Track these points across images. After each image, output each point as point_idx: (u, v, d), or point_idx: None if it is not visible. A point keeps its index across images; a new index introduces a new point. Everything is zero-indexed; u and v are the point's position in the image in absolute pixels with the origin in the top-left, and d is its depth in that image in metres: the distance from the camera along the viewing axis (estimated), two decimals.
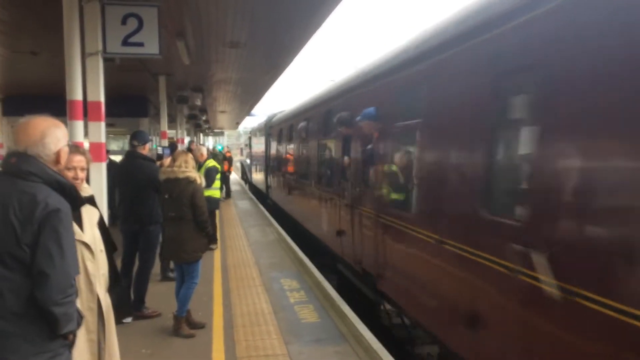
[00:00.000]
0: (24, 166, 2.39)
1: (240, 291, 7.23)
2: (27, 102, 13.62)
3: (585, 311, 2.63)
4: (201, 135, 34.52)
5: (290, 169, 13.03)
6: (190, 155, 5.73)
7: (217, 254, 9.53)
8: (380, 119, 6.02)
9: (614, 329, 2.46)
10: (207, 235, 5.66)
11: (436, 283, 4.64)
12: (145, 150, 6.40)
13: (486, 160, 3.82)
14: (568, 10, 3.03)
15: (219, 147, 30.59)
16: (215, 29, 7.54)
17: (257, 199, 20.21)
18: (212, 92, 15.08)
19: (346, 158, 7.47)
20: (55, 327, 2.37)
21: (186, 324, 5.64)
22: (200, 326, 5.77)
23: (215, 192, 9.82)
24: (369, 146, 6.40)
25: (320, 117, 9.50)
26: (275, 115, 17.47)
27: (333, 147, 8.69)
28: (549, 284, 2.91)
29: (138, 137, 6.42)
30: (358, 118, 6.43)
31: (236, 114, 23.55)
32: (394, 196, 5.79)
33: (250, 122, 36.37)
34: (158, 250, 6.42)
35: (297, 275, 8.18)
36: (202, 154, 9.76)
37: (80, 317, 2.58)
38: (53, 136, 2.50)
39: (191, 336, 5.51)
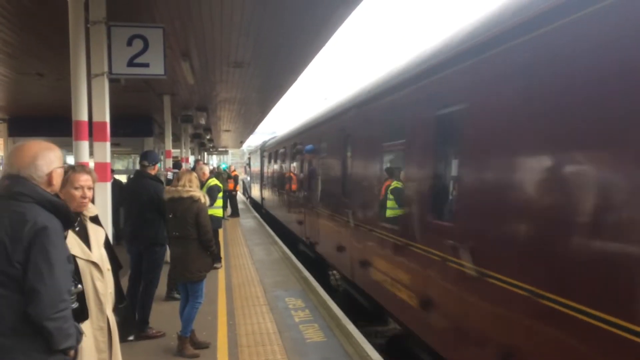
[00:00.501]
0: (16, 187, 2.48)
1: (245, 310, 7.18)
2: (32, 123, 13.82)
3: (492, 286, 3.87)
4: (205, 153, 34.64)
5: (275, 183, 18.04)
6: (194, 174, 5.74)
7: (221, 273, 9.49)
8: (314, 152, 10.78)
9: (508, 295, 3.69)
10: (211, 254, 5.65)
11: (348, 246, 7.96)
12: (155, 170, 6.44)
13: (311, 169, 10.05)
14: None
15: (223, 166, 30.65)
16: (220, 49, 7.61)
17: (254, 208, 24.88)
18: (216, 111, 15.17)
19: (301, 175, 12.57)
20: (51, 342, 2.42)
21: (190, 344, 5.60)
22: (204, 346, 5.72)
23: (217, 210, 9.79)
24: (310, 167, 11.24)
25: (290, 147, 14.52)
26: (267, 141, 22.93)
27: (296, 167, 13.54)
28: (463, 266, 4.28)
29: (148, 158, 6.48)
30: (306, 149, 11.44)
31: (240, 132, 23.64)
32: (322, 196, 10.06)
33: (255, 140, 36.62)
34: (163, 270, 6.42)
35: (302, 293, 8.13)
36: (204, 173, 9.76)
37: (79, 334, 2.62)
38: (46, 159, 2.59)
39: (195, 356, 5.46)
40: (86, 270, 3.07)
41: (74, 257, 3.02)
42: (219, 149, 37.67)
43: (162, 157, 15.33)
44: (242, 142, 34.03)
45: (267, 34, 6.90)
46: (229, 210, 19.66)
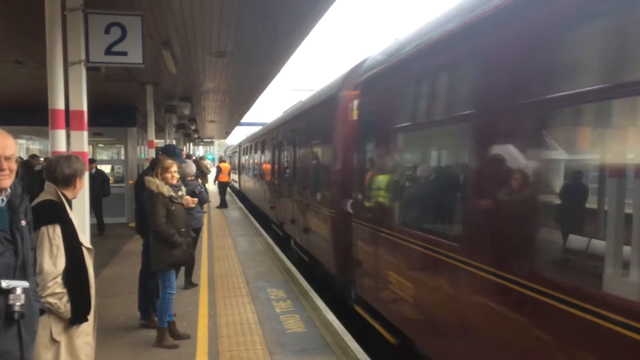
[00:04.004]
0: None
1: (227, 301, 7.17)
2: (11, 111, 13.62)
3: (441, 262, 4.10)
4: (191, 144, 34.44)
5: (247, 171, 22.82)
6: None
7: (204, 264, 9.47)
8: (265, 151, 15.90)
9: (448, 265, 3.98)
10: (173, 244, 5.38)
11: (308, 224, 9.42)
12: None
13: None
14: None
15: (209, 157, 30.58)
16: (201, 38, 7.54)
17: (232, 191, 29.61)
18: (200, 102, 15.07)
19: (256, 164, 18.53)
20: None
21: (170, 335, 5.58)
22: (185, 337, 5.71)
23: None
24: (262, 160, 16.43)
25: (255, 144, 20.00)
26: (243, 140, 29.25)
27: (262, 159, 17.17)
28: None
29: (167, 152, 6.24)
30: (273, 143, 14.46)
31: (225, 123, 23.53)
32: (285, 183, 12.11)
33: (241, 132, 36.55)
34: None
35: (284, 284, 8.13)
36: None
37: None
38: None
39: (175, 347, 5.45)
40: (87, 257, 3.20)
41: (81, 244, 3.10)
42: (205, 140, 37.46)
43: (145, 147, 15.17)
44: (227, 133, 33.86)
45: (248, 23, 6.85)
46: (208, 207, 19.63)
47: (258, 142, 18.55)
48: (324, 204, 8.02)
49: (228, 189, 22.80)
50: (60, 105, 5.04)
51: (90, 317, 3.23)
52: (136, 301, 6.35)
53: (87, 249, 3.23)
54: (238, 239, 12.77)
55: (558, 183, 3.31)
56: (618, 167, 2.79)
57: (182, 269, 6.69)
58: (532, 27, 3.10)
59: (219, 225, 15.39)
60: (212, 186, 29.08)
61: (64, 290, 3.02)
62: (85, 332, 3.21)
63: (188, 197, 5.98)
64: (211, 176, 23.90)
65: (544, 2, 3.06)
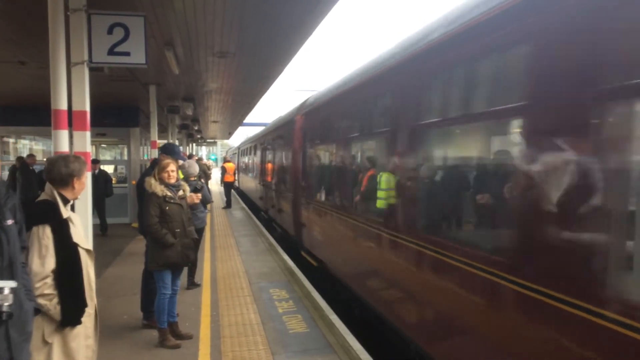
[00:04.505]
0: None
1: (229, 301, 7.17)
2: (15, 112, 13.67)
3: (408, 249, 4.93)
4: (194, 144, 34.47)
5: (245, 171, 25.98)
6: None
7: (206, 265, 9.47)
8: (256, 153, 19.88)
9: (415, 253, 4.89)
10: (164, 245, 5.33)
11: (280, 206, 13.05)
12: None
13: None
14: None
15: (212, 157, 30.63)
16: (204, 38, 7.54)
17: (233, 188, 31.02)
18: (203, 102, 15.07)
19: (251, 164, 21.82)
20: None
21: (173, 335, 5.58)
22: (187, 337, 5.71)
23: None
24: (255, 161, 19.95)
25: (248, 148, 23.90)
26: (241, 143, 33.04)
27: (253, 161, 20.89)
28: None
29: (166, 150, 6.23)
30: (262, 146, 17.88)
31: (228, 123, 23.53)
32: (267, 179, 15.80)
33: (244, 132, 36.77)
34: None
35: (287, 285, 8.13)
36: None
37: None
38: None
39: (177, 347, 5.45)
40: (85, 259, 3.18)
41: (77, 245, 3.08)
42: (208, 140, 37.49)
43: (148, 148, 15.18)
44: (230, 134, 33.88)
45: (250, 23, 6.84)
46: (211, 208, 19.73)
47: (250, 147, 22.80)
48: (287, 190, 11.84)
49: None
50: (63, 106, 5.03)
51: (89, 319, 3.19)
52: (139, 301, 6.36)
53: (87, 250, 3.20)
54: (241, 239, 12.77)
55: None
56: None
57: (185, 269, 6.66)
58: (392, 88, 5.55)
59: (222, 225, 15.40)
60: (214, 186, 29.14)
61: (54, 292, 2.99)
62: (85, 335, 3.16)
63: (192, 194, 5.98)
64: (214, 175, 24.17)
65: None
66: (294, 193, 10.82)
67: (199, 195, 6.22)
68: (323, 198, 8.48)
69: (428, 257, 4.43)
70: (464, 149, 4.56)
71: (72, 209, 3.25)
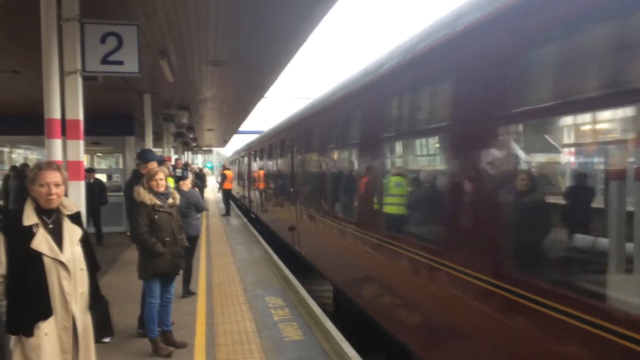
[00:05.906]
0: None
1: (224, 309, 7.15)
2: (9, 121, 13.63)
3: (370, 241, 5.79)
4: (189, 152, 34.45)
5: (239, 178, 27.07)
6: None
7: (202, 273, 9.44)
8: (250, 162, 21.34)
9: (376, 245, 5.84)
10: (149, 253, 5.29)
11: (270, 208, 14.88)
12: (147, 169, 5.99)
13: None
14: None
15: (207, 165, 30.62)
16: (198, 47, 7.57)
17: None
18: (198, 110, 15.10)
19: (246, 173, 22.91)
20: None
21: (168, 344, 5.56)
22: (182, 345, 5.68)
23: None
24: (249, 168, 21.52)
25: (241, 157, 25.58)
26: (237, 150, 34.40)
27: (246, 169, 22.47)
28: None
29: (140, 156, 6.35)
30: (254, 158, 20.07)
31: (223, 131, 23.58)
32: (255, 183, 18.71)
33: (239, 140, 37.04)
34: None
35: (282, 292, 8.11)
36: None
37: None
38: None
39: (169, 355, 5.41)
40: (52, 269, 3.04)
41: (40, 254, 3.01)
42: (203, 148, 37.47)
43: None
44: (226, 142, 33.88)
45: (244, 32, 6.88)
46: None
47: (244, 155, 25.03)
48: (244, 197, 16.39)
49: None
50: (56, 115, 5.04)
51: (66, 332, 3.07)
52: (134, 310, 6.33)
53: (58, 261, 3.05)
54: (236, 246, 12.75)
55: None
56: None
57: (180, 277, 6.64)
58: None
59: (217, 233, 15.37)
60: (210, 194, 29.07)
61: (3, 300, 3.00)
62: (62, 349, 3.04)
63: (187, 181, 6.05)
64: (210, 182, 24.57)
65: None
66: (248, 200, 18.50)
67: (187, 182, 6.32)
68: (301, 200, 10.96)
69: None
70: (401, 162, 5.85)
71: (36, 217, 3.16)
